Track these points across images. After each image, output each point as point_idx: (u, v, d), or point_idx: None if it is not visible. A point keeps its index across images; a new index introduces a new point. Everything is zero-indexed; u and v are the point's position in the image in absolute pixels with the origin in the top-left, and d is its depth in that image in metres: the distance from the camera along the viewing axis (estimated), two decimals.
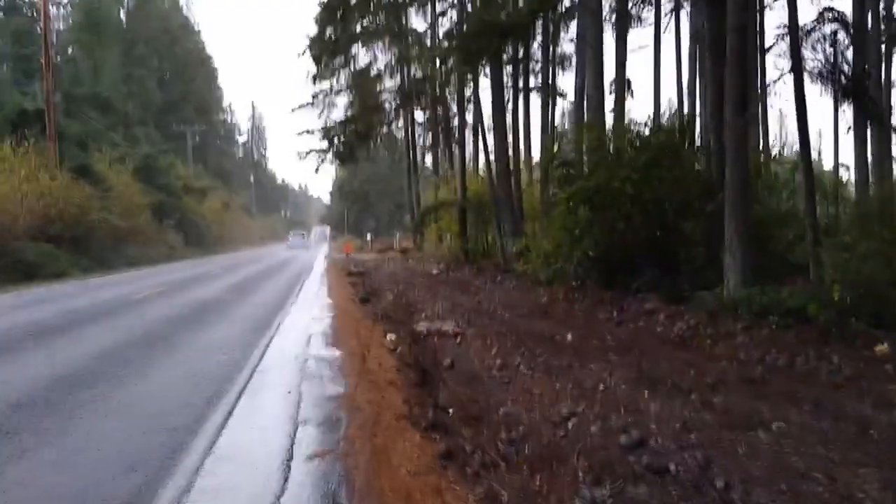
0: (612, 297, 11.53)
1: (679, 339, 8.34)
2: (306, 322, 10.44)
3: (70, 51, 46.40)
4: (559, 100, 27.63)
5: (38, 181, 22.72)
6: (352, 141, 27.83)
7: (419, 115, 36.65)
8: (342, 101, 30.80)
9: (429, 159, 50.96)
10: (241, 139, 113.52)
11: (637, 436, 4.40)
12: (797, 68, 9.92)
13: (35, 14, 46.33)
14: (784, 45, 16.45)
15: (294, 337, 8.97)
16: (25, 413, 5.24)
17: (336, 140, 27.89)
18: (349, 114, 28.62)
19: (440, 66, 21.77)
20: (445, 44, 22.93)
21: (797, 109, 9.64)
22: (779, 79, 18.52)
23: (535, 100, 25.64)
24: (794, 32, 10.54)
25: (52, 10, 50.29)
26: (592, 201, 11.94)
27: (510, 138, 21.12)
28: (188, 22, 75.17)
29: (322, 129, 28.39)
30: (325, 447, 4.39)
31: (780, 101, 58.38)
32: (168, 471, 4.04)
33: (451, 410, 5.31)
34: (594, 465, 4.02)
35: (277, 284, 18.67)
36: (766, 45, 18.77)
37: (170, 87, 64.17)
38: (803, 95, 9.65)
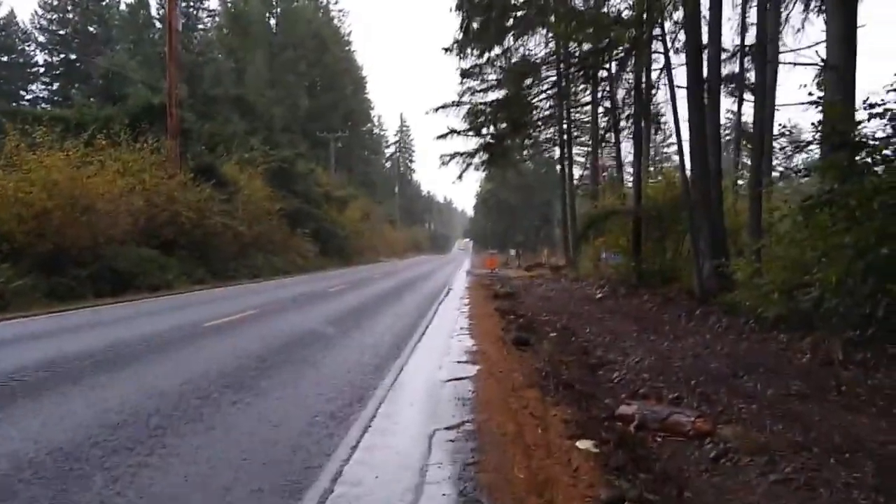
0: None
1: None
2: (430, 392, 6.39)
3: (216, 53, 45.94)
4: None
5: (142, 178, 19.96)
6: (504, 132, 23.55)
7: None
8: (490, 98, 26.84)
9: (576, 171, 46.95)
10: (388, 150, 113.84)
11: None
12: None
13: (189, 21, 46.43)
14: None
15: (402, 440, 4.84)
16: None
17: (486, 129, 23.74)
18: (502, 95, 24.38)
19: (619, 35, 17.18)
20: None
21: None
22: None
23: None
24: None
25: (205, 19, 50.67)
26: None
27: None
28: (338, 30, 74.73)
29: (471, 113, 24.25)
30: None
31: None
32: None
33: None
34: None
35: (405, 309, 14.83)
36: None
37: (318, 95, 63.46)
38: None
